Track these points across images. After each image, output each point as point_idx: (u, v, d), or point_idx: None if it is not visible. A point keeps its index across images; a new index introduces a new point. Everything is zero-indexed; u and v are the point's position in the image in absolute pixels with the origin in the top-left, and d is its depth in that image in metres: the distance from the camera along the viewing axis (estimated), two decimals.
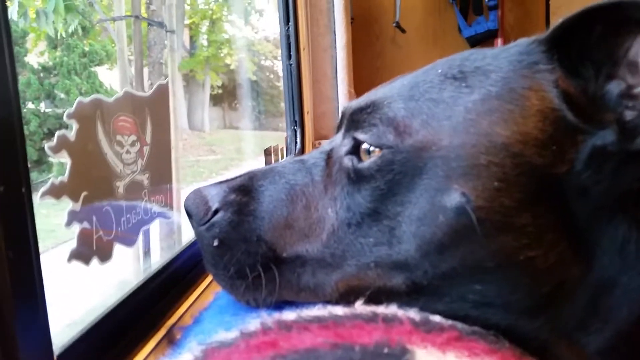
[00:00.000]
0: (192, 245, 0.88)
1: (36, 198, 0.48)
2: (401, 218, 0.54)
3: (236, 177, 0.67)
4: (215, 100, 5.24)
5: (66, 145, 0.58)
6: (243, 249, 0.61)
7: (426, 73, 0.58)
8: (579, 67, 0.51)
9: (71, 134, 0.59)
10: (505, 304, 0.52)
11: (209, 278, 0.87)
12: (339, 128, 0.66)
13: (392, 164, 0.55)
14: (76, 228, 0.60)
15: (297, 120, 1.73)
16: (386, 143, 0.55)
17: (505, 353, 0.49)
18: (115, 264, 0.67)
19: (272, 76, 5.00)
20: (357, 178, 0.58)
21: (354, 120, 0.60)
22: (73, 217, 0.59)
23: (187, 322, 0.71)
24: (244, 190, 0.65)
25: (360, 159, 0.58)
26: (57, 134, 0.57)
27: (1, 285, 0.43)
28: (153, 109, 0.76)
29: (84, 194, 0.60)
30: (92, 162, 0.63)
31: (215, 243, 0.62)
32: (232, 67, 5.12)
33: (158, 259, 0.90)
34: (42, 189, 0.55)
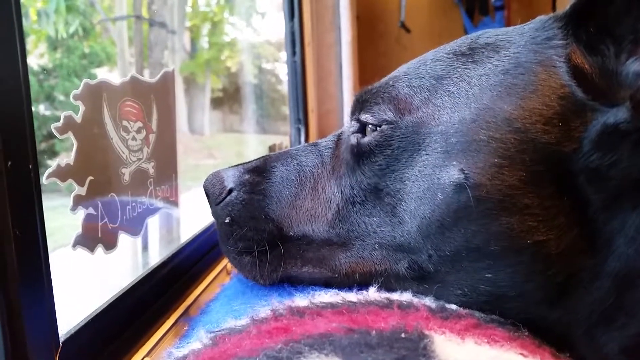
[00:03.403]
0: (196, 238, 0.87)
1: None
2: (401, 196, 0.54)
3: (253, 160, 0.69)
4: (216, 103, 5.21)
5: (72, 126, 0.56)
6: (251, 226, 0.62)
7: (436, 52, 0.58)
8: (597, 43, 0.49)
9: (77, 116, 0.57)
10: (520, 295, 0.50)
11: (215, 271, 0.85)
12: (352, 113, 0.66)
13: (391, 139, 0.55)
14: (81, 213, 0.59)
15: (302, 119, 1.71)
16: (386, 119, 0.56)
17: (525, 341, 0.48)
18: (113, 260, 0.66)
19: (273, 79, 4.98)
20: (359, 154, 0.58)
21: (360, 102, 0.60)
22: (78, 201, 0.57)
23: (193, 314, 0.70)
24: (258, 171, 0.66)
25: (364, 137, 0.58)
26: (63, 114, 0.55)
27: (8, 264, 0.42)
28: (159, 96, 0.74)
29: (89, 178, 0.59)
30: (98, 146, 0.61)
31: (227, 220, 0.63)
32: (233, 70, 5.10)
33: (157, 255, 0.89)
34: (48, 171, 0.53)
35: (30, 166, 0.44)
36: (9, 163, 0.42)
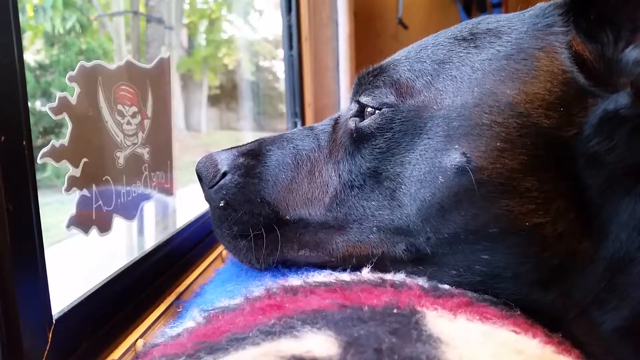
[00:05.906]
0: (191, 224, 0.87)
1: None
2: (401, 179, 0.54)
3: (247, 143, 0.68)
4: (213, 100, 5.20)
5: (67, 107, 0.56)
6: (247, 210, 0.61)
7: (436, 36, 0.58)
8: (596, 30, 0.50)
9: (72, 97, 0.57)
10: (515, 276, 0.50)
11: (211, 257, 0.86)
12: (353, 95, 0.66)
13: (391, 122, 0.55)
14: (76, 195, 0.59)
15: (298, 112, 1.72)
16: (387, 103, 0.55)
17: (517, 319, 0.48)
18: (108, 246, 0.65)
19: (270, 77, 4.98)
20: (358, 137, 0.58)
21: (361, 84, 0.60)
22: (73, 182, 0.58)
23: (188, 297, 0.70)
24: (253, 154, 0.65)
25: (363, 120, 0.58)
26: (58, 95, 0.55)
27: (0, 240, 0.42)
28: (154, 82, 0.74)
29: (84, 160, 0.59)
30: (93, 129, 0.61)
31: (222, 204, 0.62)
32: (230, 67, 5.10)
33: (152, 240, 0.89)
34: (43, 150, 0.53)
35: (24, 143, 0.44)
36: (2, 138, 0.42)
